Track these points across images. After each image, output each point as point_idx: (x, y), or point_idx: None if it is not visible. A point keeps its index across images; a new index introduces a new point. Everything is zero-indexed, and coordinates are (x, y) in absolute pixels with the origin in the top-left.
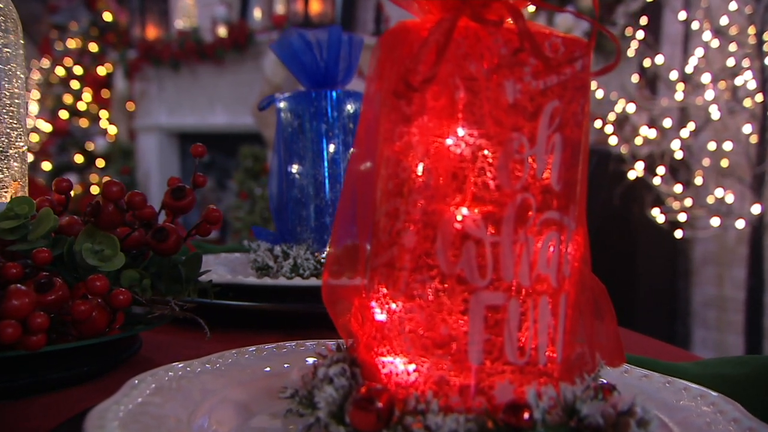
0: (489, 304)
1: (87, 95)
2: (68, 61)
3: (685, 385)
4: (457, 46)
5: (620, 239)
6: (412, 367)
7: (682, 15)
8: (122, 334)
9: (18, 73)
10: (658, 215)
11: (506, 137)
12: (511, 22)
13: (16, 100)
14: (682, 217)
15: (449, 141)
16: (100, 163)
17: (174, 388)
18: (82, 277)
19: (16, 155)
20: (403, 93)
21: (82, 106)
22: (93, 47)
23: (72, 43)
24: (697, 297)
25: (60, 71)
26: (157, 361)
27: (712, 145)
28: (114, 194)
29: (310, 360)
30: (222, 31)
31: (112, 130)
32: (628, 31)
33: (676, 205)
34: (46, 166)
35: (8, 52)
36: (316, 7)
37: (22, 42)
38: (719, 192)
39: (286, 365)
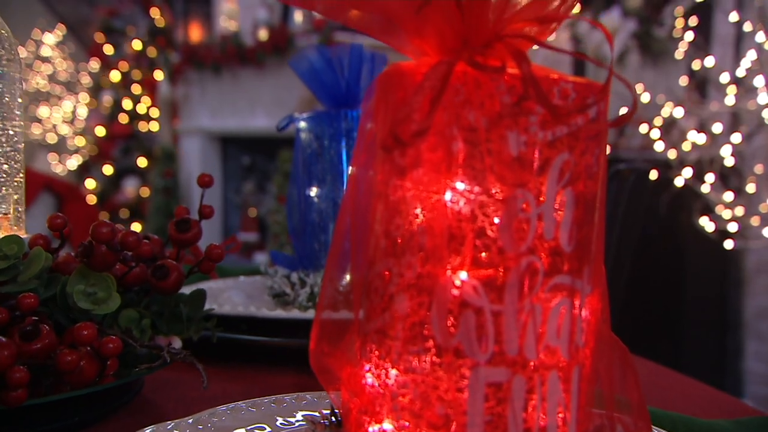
0: (490, 380)
1: (146, 99)
2: (124, 65)
3: None
4: (455, 93)
5: (667, 248)
6: None
7: (734, 16)
8: (113, 383)
9: (13, 102)
10: (707, 224)
11: (510, 194)
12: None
13: (11, 128)
14: (732, 227)
15: (447, 197)
16: (156, 166)
17: None
18: (77, 320)
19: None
20: (393, 147)
21: (141, 109)
22: (151, 51)
23: (132, 47)
24: (749, 308)
25: (115, 75)
26: (159, 403)
27: (765, 152)
28: (104, 236)
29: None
30: (263, 35)
31: (156, 130)
32: (677, 32)
33: (726, 213)
34: (108, 170)
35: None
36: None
37: (19, 75)
38: None
39: (280, 423)
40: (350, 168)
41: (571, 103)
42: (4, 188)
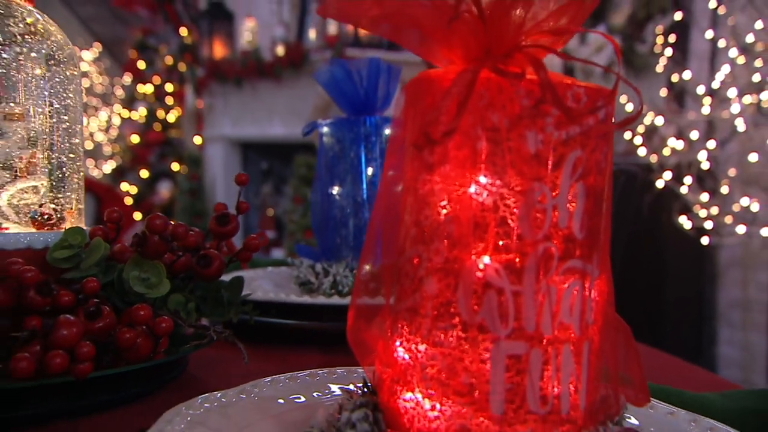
0: (511, 353)
1: (177, 109)
2: (157, 79)
3: (711, 424)
4: (479, 98)
5: (650, 245)
6: (433, 413)
7: (709, 33)
8: (166, 359)
9: (74, 103)
10: (685, 222)
11: (528, 187)
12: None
13: (74, 134)
14: (708, 225)
15: (471, 190)
16: (184, 170)
17: (207, 422)
18: (131, 302)
19: (74, 185)
20: (424, 145)
21: (172, 118)
22: (182, 66)
23: (164, 62)
24: (722, 299)
25: (148, 88)
26: (204, 379)
27: (737, 157)
28: (157, 227)
29: (335, 387)
30: (280, 50)
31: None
32: (657, 48)
33: (702, 213)
34: (144, 173)
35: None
36: None
37: (79, 79)
38: (745, 201)
39: (316, 394)
40: (379, 171)
41: (583, 106)
42: (71, 186)
